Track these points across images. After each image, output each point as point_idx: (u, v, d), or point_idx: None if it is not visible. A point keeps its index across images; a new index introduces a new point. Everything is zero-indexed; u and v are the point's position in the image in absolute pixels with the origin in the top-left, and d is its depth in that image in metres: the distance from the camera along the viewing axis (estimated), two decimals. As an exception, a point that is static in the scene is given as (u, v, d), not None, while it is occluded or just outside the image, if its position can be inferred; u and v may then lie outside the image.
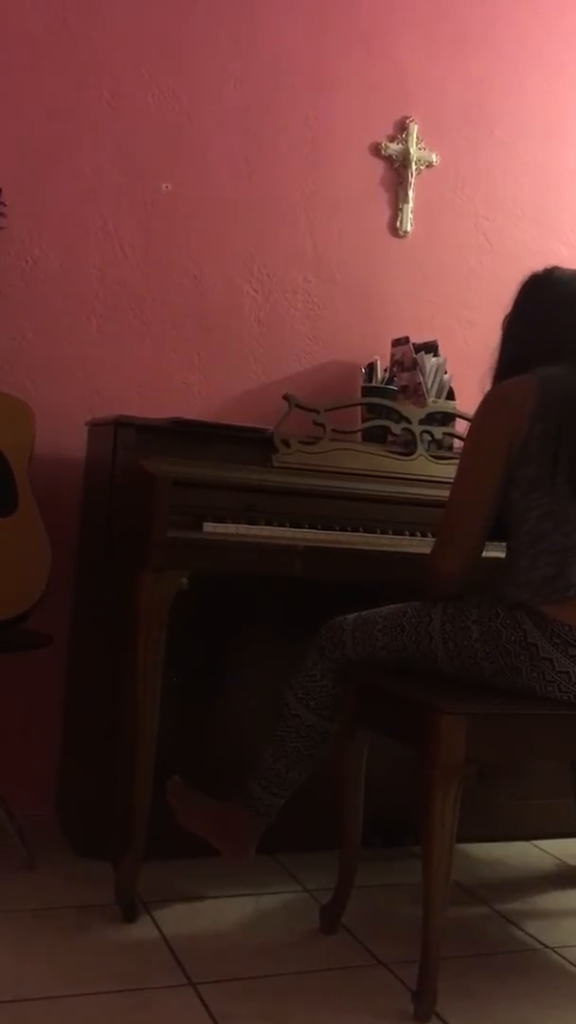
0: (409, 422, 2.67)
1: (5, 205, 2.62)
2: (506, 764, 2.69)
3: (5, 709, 2.72)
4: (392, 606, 2.12)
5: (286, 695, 2.19)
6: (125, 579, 2.21)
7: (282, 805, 2.19)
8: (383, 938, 2.18)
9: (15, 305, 2.76)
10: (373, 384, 2.93)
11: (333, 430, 2.56)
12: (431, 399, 2.81)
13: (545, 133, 3.31)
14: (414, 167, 3.13)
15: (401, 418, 2.68)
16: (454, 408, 2.80)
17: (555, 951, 2.21)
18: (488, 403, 2.02)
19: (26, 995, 1.84)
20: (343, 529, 2.33)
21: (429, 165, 3.16)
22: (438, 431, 2.69)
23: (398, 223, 3.14)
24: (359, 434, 2.71)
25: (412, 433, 2.66)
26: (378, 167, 3.13)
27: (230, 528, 2.21)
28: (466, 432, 2.13)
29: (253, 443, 2.52)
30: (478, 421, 2.04)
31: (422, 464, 2.61)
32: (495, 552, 2.08)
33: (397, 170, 3.14)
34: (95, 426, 2.67)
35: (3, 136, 2.74)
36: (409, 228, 3.14)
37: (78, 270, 2.82)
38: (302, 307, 3.04)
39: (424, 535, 2.35)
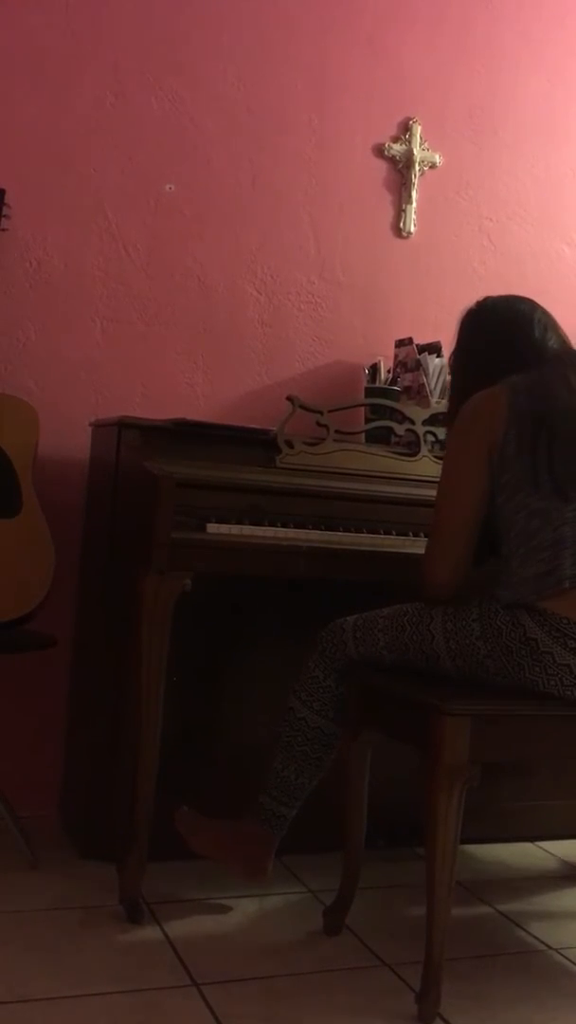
0: (413, 423, 2.66)
1: (9, 207, 2.63)
2: (509, 764, 2.69)
3: (9, 710, 2.72)
4: (393, 607, 2.12)
5: (290, 700, 2.19)
6: (129, 580, 2.21)
7: (294, 816, 2.18)
8: (386, 939, 2.18)
9: (19, 307, 2.76)
10: (376, 385, 2.93)
11: (336, 431, 2.56)
12: (435, 400, 2.81)
13: (548, 134, 3.31)
14: (417, 168, 3.14)
15: (405, 419, 2.68)
16: (457, 409, 2.79)
17: (559, 952, 2.21)
18: (463, 415, 2.06)
19: (30, 995, 1.84)
20: (347, 530, 2.33)
21: (432, 166, 3.16)
22: (442, 432, 2.69)
23: (401, 224, 3.14)
24: (362, 435, 2.71)
25: (416, 434, 2.66)
26: (381, 168, 3.13)
27: (234, 529, 2.21)
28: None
29: (256, 444, 2.52)
30: (456, 433, 2.09)
31: (426, 465, 2.61)
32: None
33: (400, 171, 3.14)
34: (99, 427, 2.68)
35: (7, 138, 2.74)
36: (412, 229, 3.15)
37: (82, 272, 2.82)
38: (305, 308, 3.04)
39: (428, 536, 2.34)
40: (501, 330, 2.14)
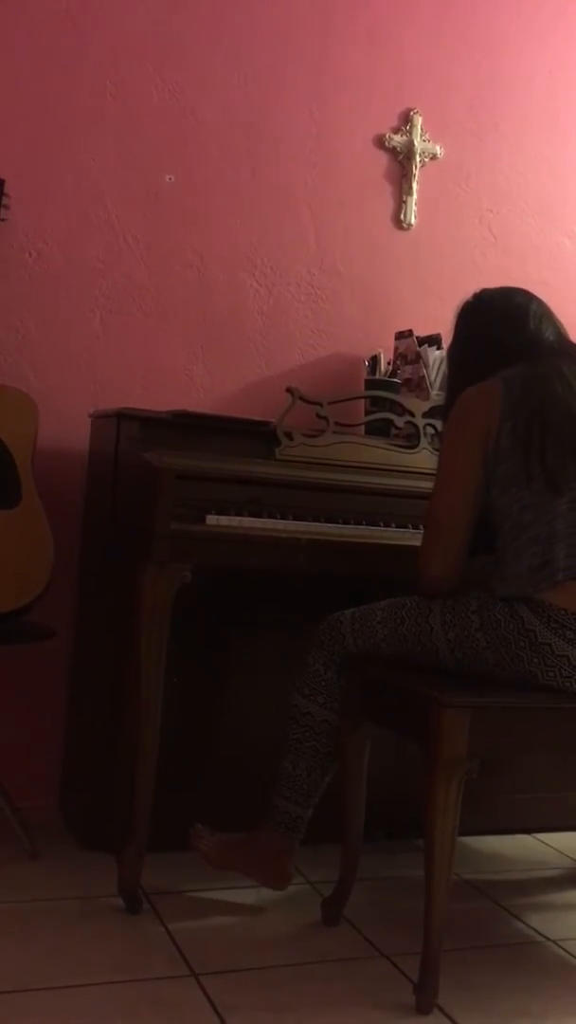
0: (412, 415, 2.66)
1: (9, 197, 2.62)
2: (508, 757, 2.69)
3: (8, 701, 2.73)
4: (390, 600, 2.12)
5: (293, 697, 2.18)
6: (128, 572, 2.21)
7: (311, 816, 2.17)
8: (385, 930, 2.18)
9: (18, 298, 2.76)
10: (376, 377, 2.93)
11: (336, 423, 2.56)
12: (435, 392, 2.81)
13: (549, 126, 3.30)
14: (418, 159, 3.13)
15: (404, 411, 2.67)
16: (457, 401, 2.79)
17: (557, 944, 2.22)
18: (458, 409, 2.07)
19: (29, 985, 1.85)
20: (346, 522, 2.33)
21: (433, 157, 3.15)
22: (441, 424, 2.69)
23: (402, 216, 3.13)
24: (362, 427, 2.71)
25: (415, 426, 2.66)
26: (382, 159, 3.12)
27: (233, 521, 2.21)
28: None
29: (256, 436, 2.52)
30: (451, 427, 2.09)
31: (425, 457, 2.61)
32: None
33: (401, 162, 3.13)
34: (98, 418, 2.67)
35: (7, 129, 2.73)
36: (413, 221, 3.14)
37: (81, 263, 2.82)
38: (305, 300, 3.03)
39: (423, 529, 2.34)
40: (497, 323, 2.15)
